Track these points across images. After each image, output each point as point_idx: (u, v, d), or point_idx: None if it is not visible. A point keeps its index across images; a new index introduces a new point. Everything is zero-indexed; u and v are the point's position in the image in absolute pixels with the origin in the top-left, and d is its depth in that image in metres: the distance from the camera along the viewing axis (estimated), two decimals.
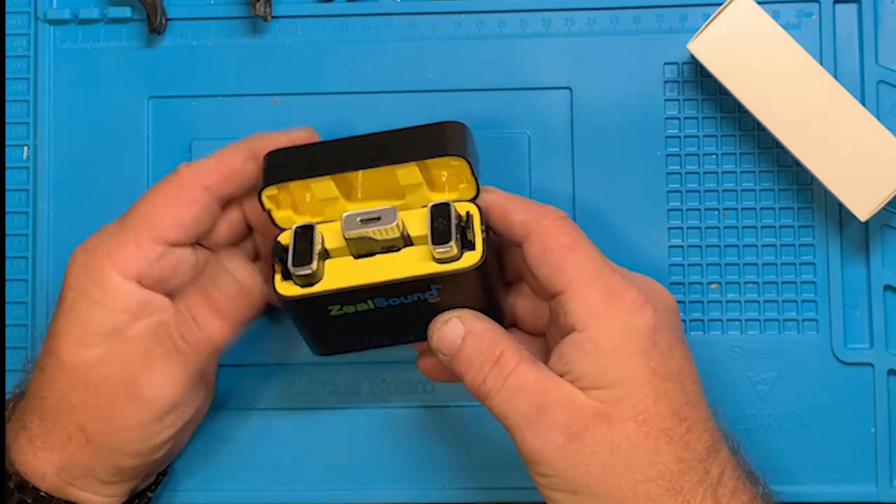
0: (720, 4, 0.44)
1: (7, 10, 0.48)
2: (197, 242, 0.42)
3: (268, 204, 0.39)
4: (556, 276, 0.38)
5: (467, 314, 0.39)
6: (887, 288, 0.45)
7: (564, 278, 0.37)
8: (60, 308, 0.40)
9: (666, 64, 0.47)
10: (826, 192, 0.45)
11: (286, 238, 0.38)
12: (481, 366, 0.38)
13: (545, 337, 0.42)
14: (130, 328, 0.40)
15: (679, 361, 0.38)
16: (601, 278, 0.37)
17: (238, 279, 0.39)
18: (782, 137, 0.43)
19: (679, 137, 0.46)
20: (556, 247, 0.38)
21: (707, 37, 0.43)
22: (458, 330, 0.39)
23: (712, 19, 0.43)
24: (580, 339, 0.37)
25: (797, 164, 0.45)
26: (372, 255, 0.38)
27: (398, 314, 0.39)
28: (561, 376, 0.37)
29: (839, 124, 0.43)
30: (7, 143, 0.48)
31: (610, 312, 0.37)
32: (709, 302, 0.46)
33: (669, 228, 0.46)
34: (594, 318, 0.37)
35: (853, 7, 0.46)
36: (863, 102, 0.45)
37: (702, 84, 0.46)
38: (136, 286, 0.40)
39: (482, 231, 0.38)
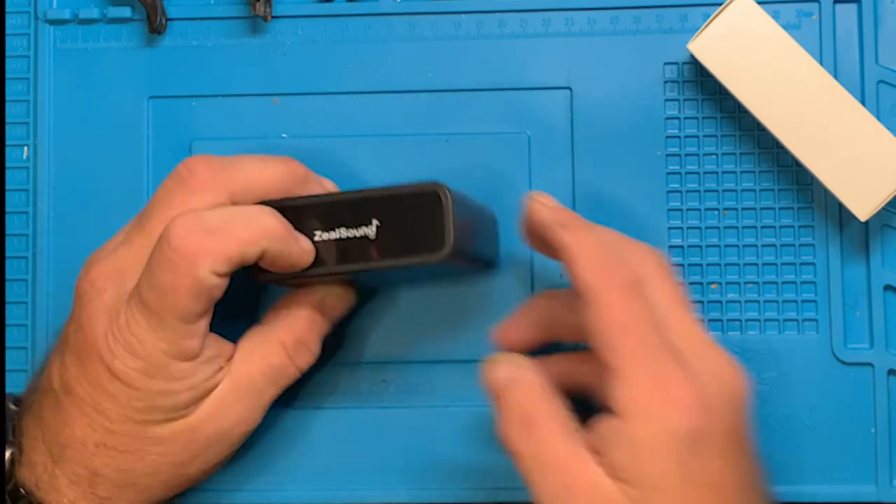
0: (720, 4, 0.44)
1: (7, 10, 0.49)
2: None
3: None
4: (607, 352, 0.35)
5: (524, 361, 0.37)
6: (887, 288, 0.45)
7: (614, 357, 0.35)
8: None
9: (666, 64, 0.47)
10: (826, 193, 0.45)
11: None
12: (515, 423, 0.36)
13: None
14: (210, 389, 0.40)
15: (726, 473, 0.34)
16: (654, 365, 0.34)
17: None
18: (782, 137, 0.43)
19: (679, 137, 0.46)
20: (613, 325, 0.35)
21: (707, 37, 0.43)
22: (506, 373, 0.37)
23: (712, 19, 0.43)
24: (619, 426, 0.34)
25: (797, 164, 0.45)
26: None
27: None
28: (595, 453, 0.35)
29: (839, 124, 0.43)
30: (7, 143, 0.48)
31: (653, 407, 0.34)
32: (709, 302, 0.46)
33: (669, 228, 0.46)
34: (636, 408, 0.34)
35: (853, 7, 0.46)
36: (863, 102, 0.45)
37: (702, 84, 0.46)
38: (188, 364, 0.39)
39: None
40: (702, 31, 0.43)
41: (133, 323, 0.37)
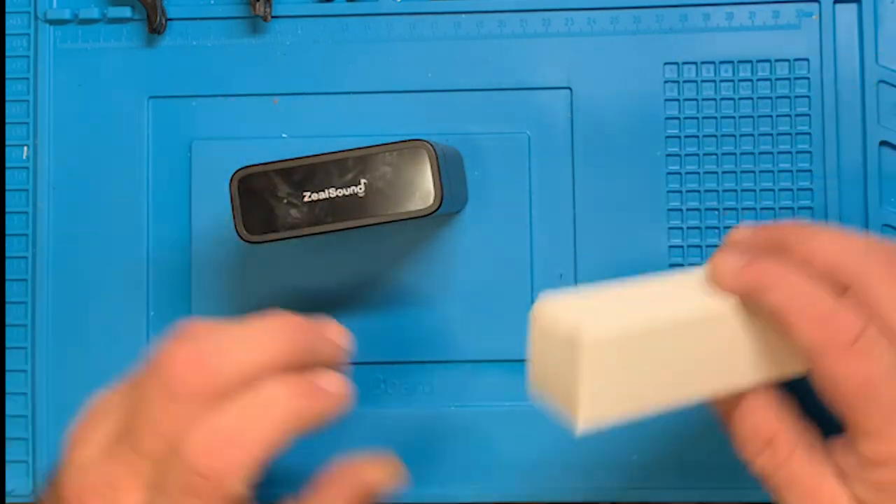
0: (720, 4, 0.44)
1: (7, 10, 0.49)
2: None
3: None
4: (848, 413, 0.32)
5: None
6: None
7: (856, 419, 0.32)
8: None
9: (666, 64, 0.47)
10: (826, 193, 0.45)
11: None
12: (754, 443, 0.34)
13: None
14: None
15: None
16: None
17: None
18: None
19: (679, 137, 0.46)
20: (847, 388, 0.31)
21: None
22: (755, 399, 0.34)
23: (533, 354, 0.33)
24: (867, 467, 0.32)
25: (797, 164, 0.45)
26: None
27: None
28: (840, 476, 0.33)
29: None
30: (7, 143, 0.48)
31: None
32: None
33: (669, 228, 0.46)
34: (887, 460, 0.32)
35: (853, 7, 0.46)
36: (863, 102, 0.46)
37: (702, 84, 0.46)
38: None
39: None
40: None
41: None
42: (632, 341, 0.31)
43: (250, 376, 0.33)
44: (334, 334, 0.36)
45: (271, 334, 0.34)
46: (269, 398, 0.33)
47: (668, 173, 0.46)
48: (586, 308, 0.31)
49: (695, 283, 0.34)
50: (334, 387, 0.35)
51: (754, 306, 0.33)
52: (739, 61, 0.46)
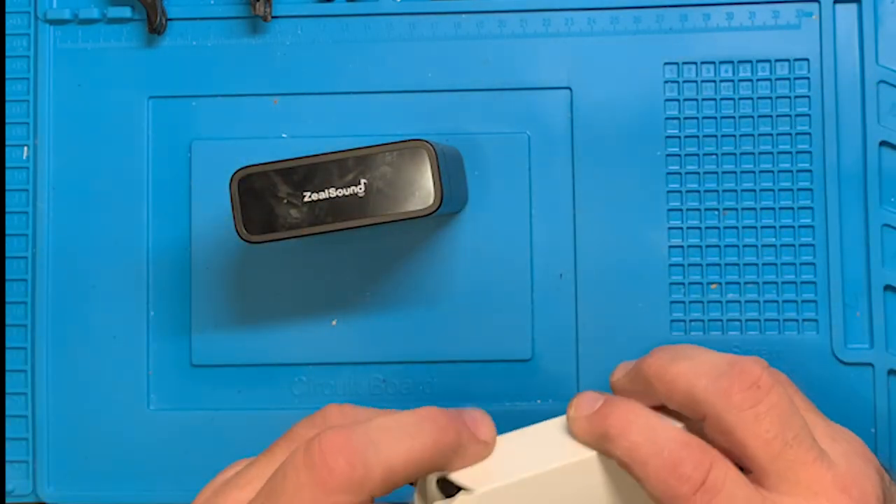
0: (720, 4, 0.44)
1: (7, 10, 0.49)
2: None
3: None
4: (739, 452, 0.33)
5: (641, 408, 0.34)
6: (887, 288, 0.45)
7: (748, 457, 0.33)
8: None
9: (666, 64, 0.47)
10: (826, 193, 0.45)
11: None
12: (690, 476, 0.33)
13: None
14: None
15: None
16: (803, 472, 0.33)
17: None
18: None
19: (679, 137, 0.46)
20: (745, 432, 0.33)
21: None
22: (660, 427, 0.33)
23: None
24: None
25: (797, 164, 0.45)
26: None
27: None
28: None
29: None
30: (7, 143, 0.48)
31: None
32: (709, 302, 0.46)
33: (669, 228, 0.46)
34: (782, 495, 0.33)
35: (853, 7, 0.46)
36: (863, 102, 0.46)
37: (702, 84, 0.46)
38: None
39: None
40: None
41: None
42: (508, 491, 0.32)
43: (396, 472, 0.32)
44: (484, 433, 0.34)
45: (424, 433, 0.33)
46: (413, 422, 0.32)
47: (668, 173, 0.46)
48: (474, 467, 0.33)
49: (563, 431, 0.35)
50: (484, 434, 0.34)
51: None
52: (739, 61, 0.46)
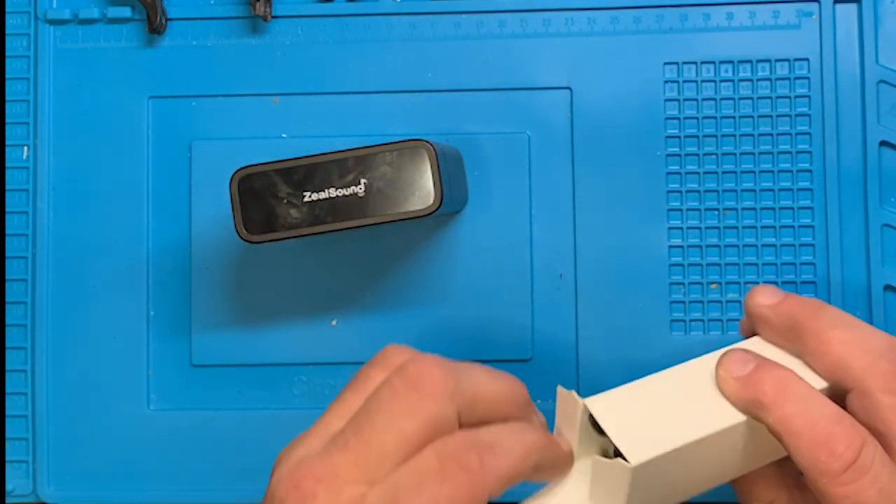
0: (720, 4, 0.44)
1: (7, 10, 0.49)
2: None
3: None
4: (883, 433, 0.33)
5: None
6: (887, 288, 0.45)
7: (893, 438, 0.33)
8: None
9: (666, 64, 0.47)
10: (826, 193, 0.45)
11: None
12: (842, 453, 0.33)
13: None
14: None
15: None
16: None
17: None
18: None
19: (679, 137, 0.46)
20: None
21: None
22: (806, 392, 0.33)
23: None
24: None
25: (797, 164, 0.45)
26: None
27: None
28: None
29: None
30: (7, 143, 0.48)
31: None
32: (709, 302, 0.46)
33: (669, 228, 0.46)
34: None
35: (853, 7, 0.46)
36: (863, 102, 0.46)
37: (702, 84, 0.46)
38: None
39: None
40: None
41: None
42: (662, 459, 0.33)
43: (482, 403, 0.33)
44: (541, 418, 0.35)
45: (505, 380, 0.34)
46: (518, 427, 0.33)
47: (668, 173, 0.46)
48: (627, 422, 0.34)
49: (711, 383, 0.35)
50: (564, 444, 0.35)
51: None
52: (739, 61, 0.46)
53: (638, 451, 0.33)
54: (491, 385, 0.34)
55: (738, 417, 0.34)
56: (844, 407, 0.34)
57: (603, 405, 0.34)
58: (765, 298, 0.36)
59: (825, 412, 0.33)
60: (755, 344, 0.36)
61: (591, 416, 0.34)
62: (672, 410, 0.34)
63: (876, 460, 0.32)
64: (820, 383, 0.34)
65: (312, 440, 0.34)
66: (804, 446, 0.32)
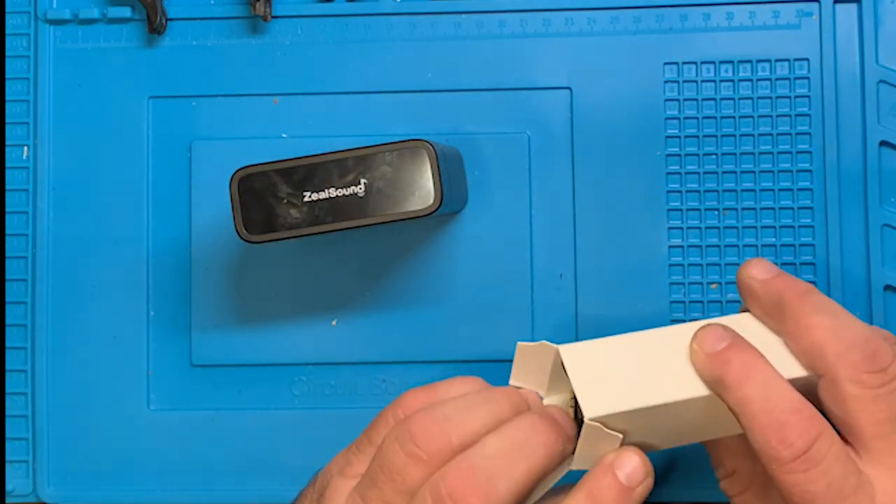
0: (720, 4, 0.44)
1: (7, 10, 0.49)
2: None
3: None
4: (845, 422, 0.34)
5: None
6: (887, 288, 0.45)
7: (853, 428, 0.33)
8: None
9: (666, 64, 0.47)
10: (826, 193, 0.45)
11: None
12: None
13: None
14: None
15: None
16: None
17: None
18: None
19: (679, 137, 0.46)
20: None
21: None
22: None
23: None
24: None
25: (797, 164, 0.45)
26: None
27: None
28: None
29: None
30: (7, 143, 0.48)
31: None
32: (709, 302, 0.46)
33: (669, 228, 0.46)
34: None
35: (853, 7, 0.46)
36: (863, 102, 0.46)
37: (702, 84, 0.46)
38: None
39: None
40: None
41: None
42: (629, 415, 0.34)
43: (521, 493, 0.33)
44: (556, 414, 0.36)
45: (537, 448, 0.34)
46: (522, 438, 0.33)
47: (668, 173, 0.46)
48: (594, 372, 0.35)
49: (685, 350, 0.36)
50: (566, 426, 0.35)
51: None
52: (739, 61, 0.46)
53: (595, 406, 0.34)
54: (529, 473, 0.33)
55: (702, 391, 0.34)
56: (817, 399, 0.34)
57: (573, 352, 0.35)
58: (757, 272, 0.37)
59: (784, 400, 0.33)
60: (741, 320, 0.37)
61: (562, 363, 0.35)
62: (640, 372, 0.35)
63: (830, 454, 0.32)
64: (796, 371, 0.35)
65: (332, 466, 0.36)
66: (758, 430, 0.33)
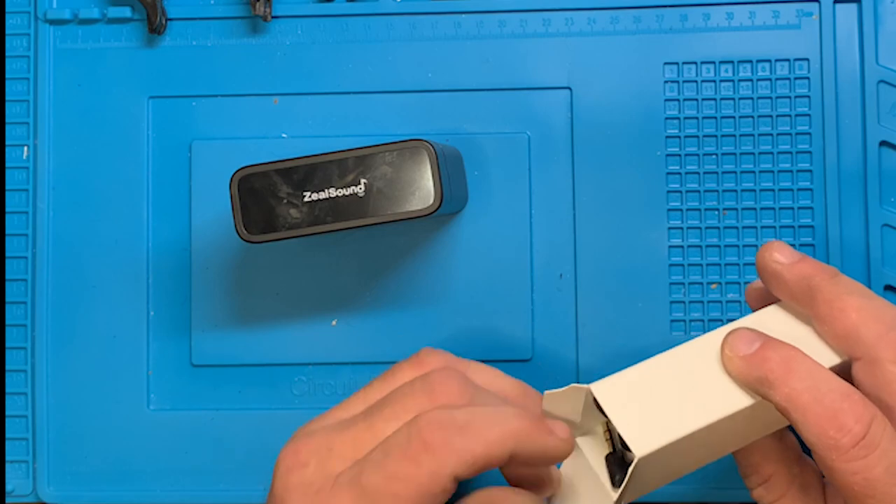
0: (720, 4, 0.44)
1: (7, 10, 0.49)
2: None
3: None
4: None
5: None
6: (887, 288, 0.45)
7: None
8: None
9: (666, 64, 0.47)
10: (826, 193, 0.45)
11: None
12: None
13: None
14: None
15: None
16: None
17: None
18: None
19: (679, 137, 0.46)
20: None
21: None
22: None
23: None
24: None
25: (797, 164, 0.45)
26: None
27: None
28: None
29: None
30: (7, 143, 0.48)
31: None
32: (709, 302, 0.46)
33: (669, 228, 0.46)
34: None
35: (853, 7, 0.46)
36: (863, 102, 0.46)
37: (702, 84, 0.46)
38: None
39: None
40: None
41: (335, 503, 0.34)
42: (670, 447, 0.33)
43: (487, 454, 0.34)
44: (560, 431, 0.35)
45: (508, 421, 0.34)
46: (501, 412, 0.34)
47: (668, 173, 0.46)
48: (632, 406, 0.34)
49: (717, 363, 0.35)
50: (560, 431, 0.35)
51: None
52: (739, 61, 0.46)
53: (643, 443, 0.33)
54: (503, 383, 0.36)
55: (745, 401, 0.34)
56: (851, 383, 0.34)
57: (607, 390, 0.34)
58: (782, 256, 0.36)
59: (833, 387, 0.32)
60: (761, 318, 0.36)
61: (594, 399, 0.34)
62: (677, 395, 0.34)
63: (885, 436, 0.32)
64: (829, 359, 0.34)
65: (328, 418, 0.36)
66: (812, 421, 0.32)
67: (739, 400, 0.34)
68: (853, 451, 0.32)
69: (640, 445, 0.32)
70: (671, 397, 0.34)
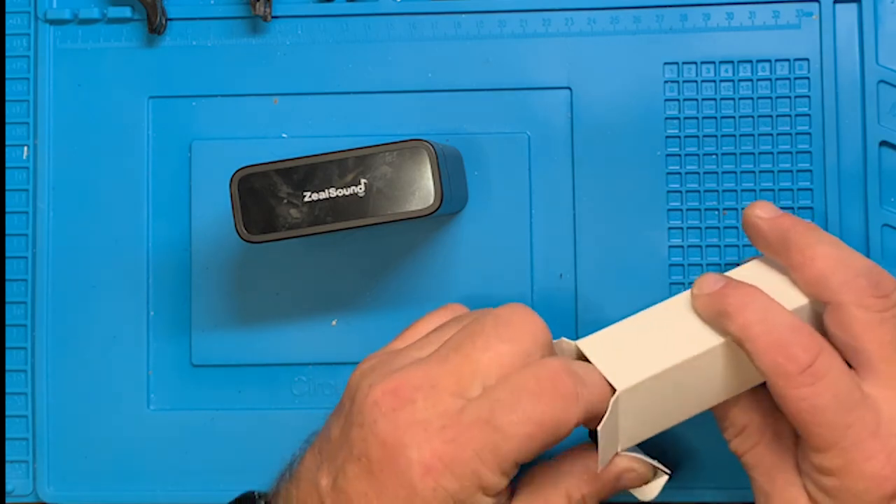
0: (720, 4, 0.44)
1: (7, 10, 0.49)
2: None
3: None
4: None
5: None
6: None
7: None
8: None
9: (666, 64, 0.47)
10: (826, 193, 0.45)
11: None
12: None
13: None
14: None
15: None
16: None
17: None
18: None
19: (679, 137, 0.46)
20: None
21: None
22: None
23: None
24: (823, 482, 0.35)
25: (797, 164, 0.45)
26: None
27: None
28: (798, 467, 0.36)
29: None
30: (7, 143, 0.48)
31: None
32: None
33: (669, 228, 0.46)
34: (835, 472, 0.34)
35: (853, 7, 0.46)
36: (863, 102, 0.46)
37: (702, 84, 0.46)
38: None
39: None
40: None
41: (468, 443, 0.34)
42: (649, 384, 0.36)
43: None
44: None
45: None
46: (596, 371, 0.37)
47: (668, 173, 0.46)
48: (615, 352, 0.37)
49: (690, 312, 0.38)
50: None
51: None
52: (739, 61, 0.46)
53: (623, 378, 0.36)
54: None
55: (715, 340, 0.36)
56: (822, 330, 0.35)
57: (592, 343, 0.38)
58: (762, 211, 0.38)
59: (784, 321, 0.35)
60: (739, 270, 0.39)
61: (582, 355, 0.38)
62: (654, 339, 0.37)
63: (833, 368, 0.34)
64: (800, 300, 0.36)
65: (394, 360, 0.37)
66: (762, 349, 0.34)
67: (709, 339, 0.36)
68: (799, 378, 0.34)
69: (620, 380, 0.36)
70: (649, 342, 0.37)
